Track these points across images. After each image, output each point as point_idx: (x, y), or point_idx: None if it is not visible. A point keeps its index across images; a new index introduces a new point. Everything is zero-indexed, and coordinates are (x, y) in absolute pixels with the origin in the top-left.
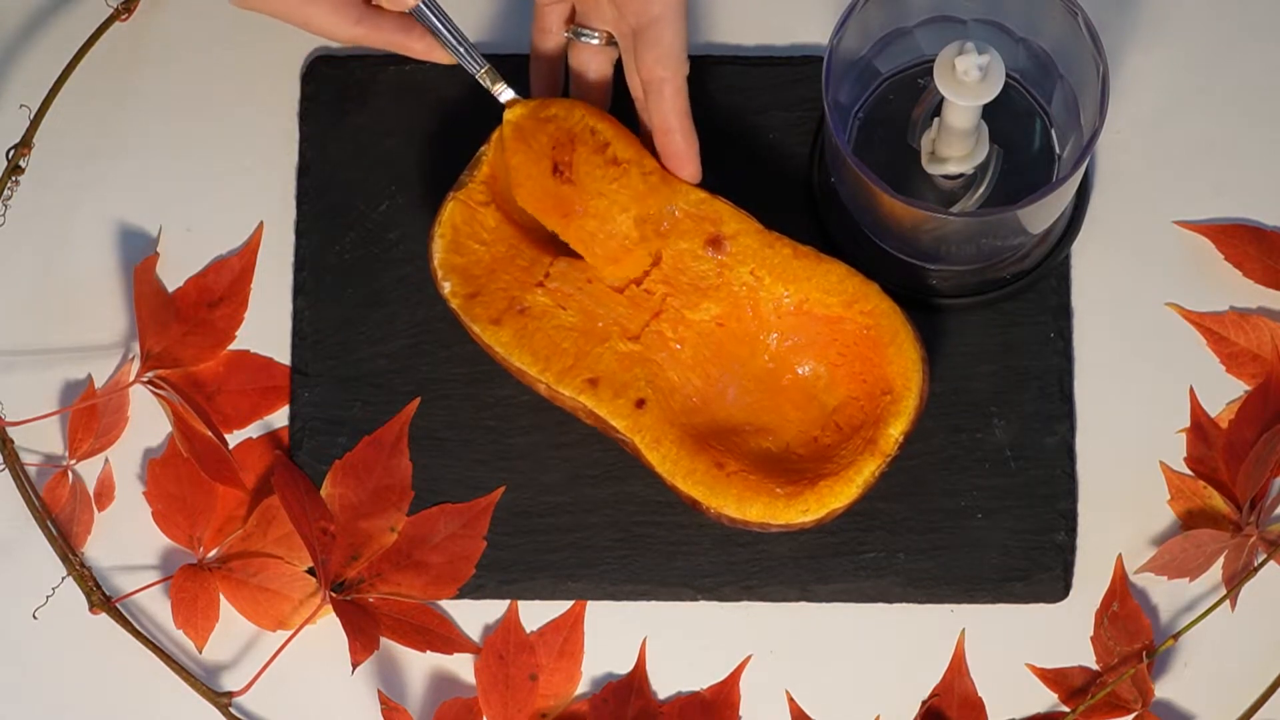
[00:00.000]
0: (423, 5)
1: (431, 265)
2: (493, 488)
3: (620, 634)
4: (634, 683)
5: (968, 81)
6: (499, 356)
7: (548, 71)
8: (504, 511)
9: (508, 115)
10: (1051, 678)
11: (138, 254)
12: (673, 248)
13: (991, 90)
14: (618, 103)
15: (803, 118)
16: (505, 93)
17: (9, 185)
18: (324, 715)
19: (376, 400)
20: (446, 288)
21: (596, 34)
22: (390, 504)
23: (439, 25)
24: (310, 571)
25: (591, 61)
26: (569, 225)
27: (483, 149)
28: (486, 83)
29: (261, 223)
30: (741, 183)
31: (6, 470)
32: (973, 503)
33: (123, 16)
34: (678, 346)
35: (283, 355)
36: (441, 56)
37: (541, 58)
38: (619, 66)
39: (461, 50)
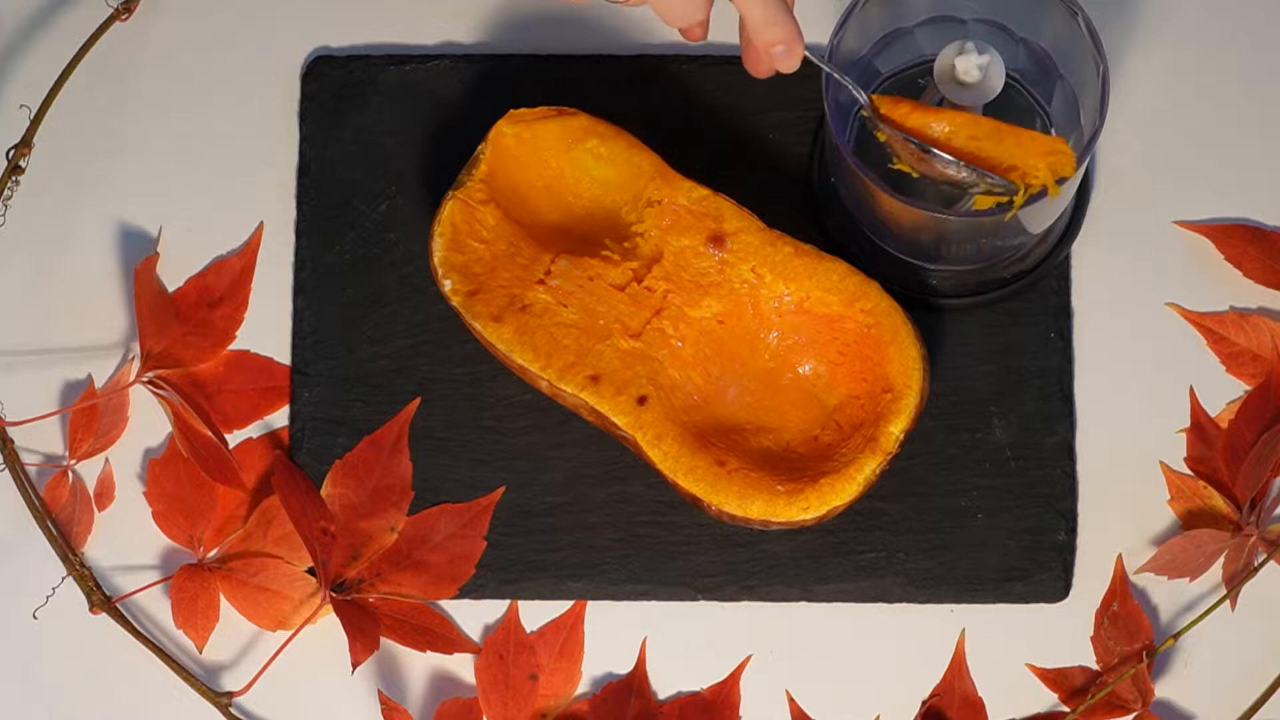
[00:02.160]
0: None
1: (431, 263)
2: (493, 488)
3: (620, 634)
4: (634, 683)
5: (968, 81)
6: (500, 354)
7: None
8: (504, 511)
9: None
10: (1051, 678)
11: (138, 254)
12: (674, 244)
13: (991, 90)
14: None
15: (803, 118)
16: None
17: (9, 185)
18: (324, 715)
19: (376, 400)
20: (447, 286)
21: None
22: (390, 504)
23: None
24: (310, 571)
25: None
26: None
27: (481, 147)
28: None
29: (261, 223)
30: (741, 183)
31: (6, 470)
32: (973, 503)
33: (123, 16)
34: (679, 344)
35: (283, 355)
36: None
37: None
38: None
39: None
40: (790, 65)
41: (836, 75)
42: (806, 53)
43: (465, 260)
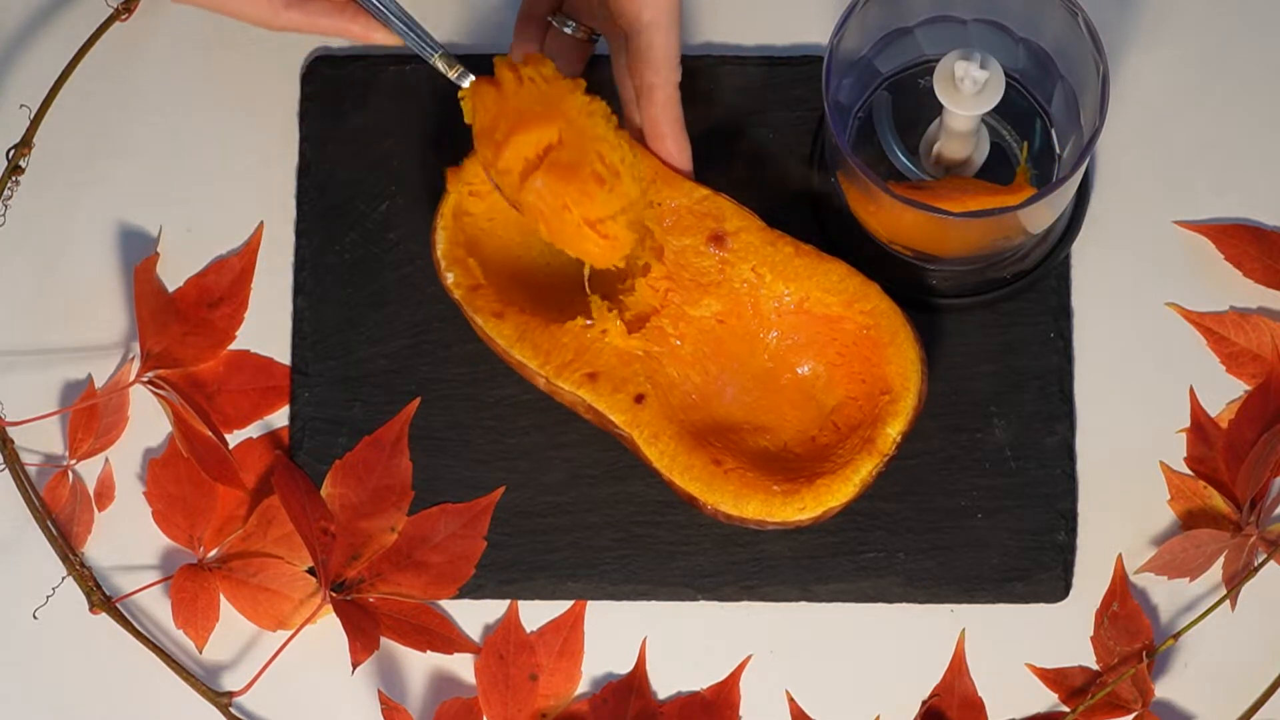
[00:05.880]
0: None
1: (434, 256)
2: (493, 488)
3: (620, 634)
4: (634, 683)
5: (967, 92)
6: (500, 349)
7: (535, 38)
8: (504, 511)
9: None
10: (1051, 678)
11: (138, 254)
12: (675, 243)
13: (989, 102)
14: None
15: (803, 118)
16: (465, 77)
17: (9, 185)
18: (324, 715)
19: (376, 400)
20: (449, 279)
21: (579, 28)
22: (390, 504)
23: (381, 8)
24: (310, 571)
25: (566, 53)
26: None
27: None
28: (442, 67)
29: (261, 223)
30: (741, 182)
31: (6, 470)
32: (973, 503)
33: (123, 16)
34: (678, 342)
35: (283, 355)
36: (383, 37)
37: (522, 44)
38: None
39: (412, 35)
40: (378, 39)
41: (423, 51)
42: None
43: (468, 253)
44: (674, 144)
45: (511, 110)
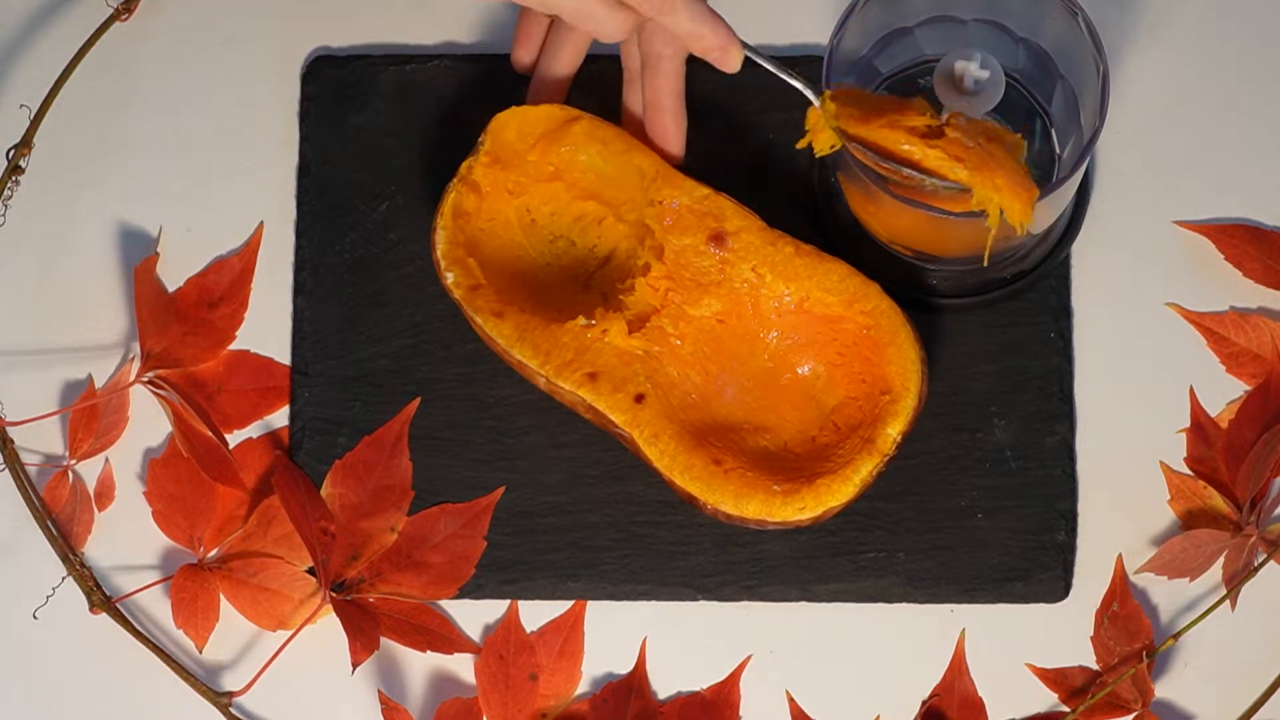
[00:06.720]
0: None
1: (434, 256)
2: (493, 488)
3: (620, 634)
4: (634, 683)
5: (967, 92)
6: (500, 349)
7: (537, 32)
8: (504, 511)
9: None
10: (1051, 678)
11: (138, 254)
12: (675, 243)
13: (990, 101)
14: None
15: (803, 117)
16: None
17: (9, 185)
18: (324, 715)
19: (376, 400)
20: (449, 279)
21: None
22: (390, 504)
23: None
24: (310, 571)
25: (564, 49)
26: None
27: (482, 137)
28: (801, 87)
29: (261, 223)
30: (741, 182)
31: (6, 470)
32: (973, 503)
33: (123, 16)
34: (678, 342)
35: (283, 355)
36: (737, 56)
37: (532, 17)
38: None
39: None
40: (731, 65)
41: (784, 75)
42: (749, 53)
43: (467, 253)
44: (672, 118)
45: (874, 102)
